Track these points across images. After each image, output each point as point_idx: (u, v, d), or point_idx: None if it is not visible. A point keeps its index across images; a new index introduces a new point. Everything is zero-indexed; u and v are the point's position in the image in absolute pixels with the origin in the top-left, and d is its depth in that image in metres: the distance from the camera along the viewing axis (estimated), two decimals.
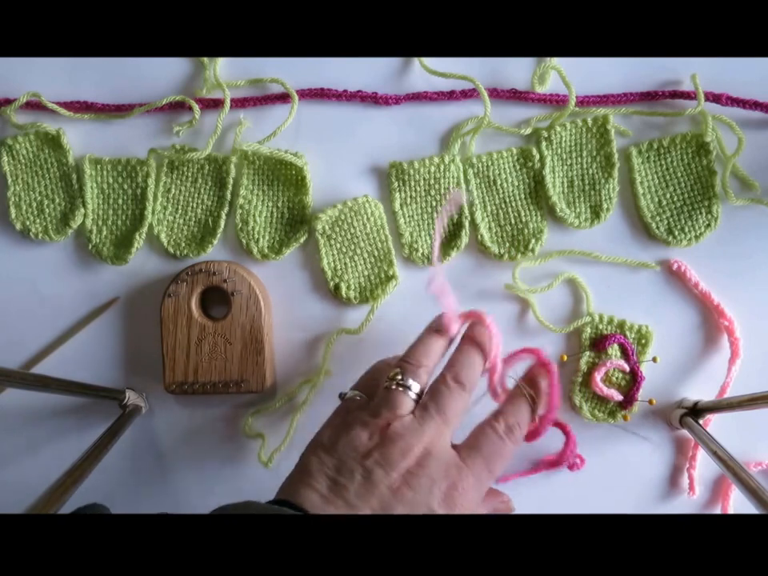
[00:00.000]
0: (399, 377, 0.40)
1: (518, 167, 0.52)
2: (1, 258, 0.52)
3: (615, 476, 0.51)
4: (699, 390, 0.51)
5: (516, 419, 0.40)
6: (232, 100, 0.51)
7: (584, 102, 0.52)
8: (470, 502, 0.37)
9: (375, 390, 0.41)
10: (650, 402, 0.51)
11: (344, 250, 0.52)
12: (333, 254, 0.52)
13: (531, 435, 0.41)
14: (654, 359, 0.50)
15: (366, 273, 0.52)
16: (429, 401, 0.39)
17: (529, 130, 0.52)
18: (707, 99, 0.51)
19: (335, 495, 0.36)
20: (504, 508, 0.44)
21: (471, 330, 0.42)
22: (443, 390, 0.39)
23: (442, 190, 0.52)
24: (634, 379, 0.51)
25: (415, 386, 0.40)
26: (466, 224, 0.51)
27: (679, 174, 0.52)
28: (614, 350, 0.51)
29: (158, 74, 0.52)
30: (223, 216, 0.52)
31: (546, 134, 0.52)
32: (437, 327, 0.42)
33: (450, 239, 0.52)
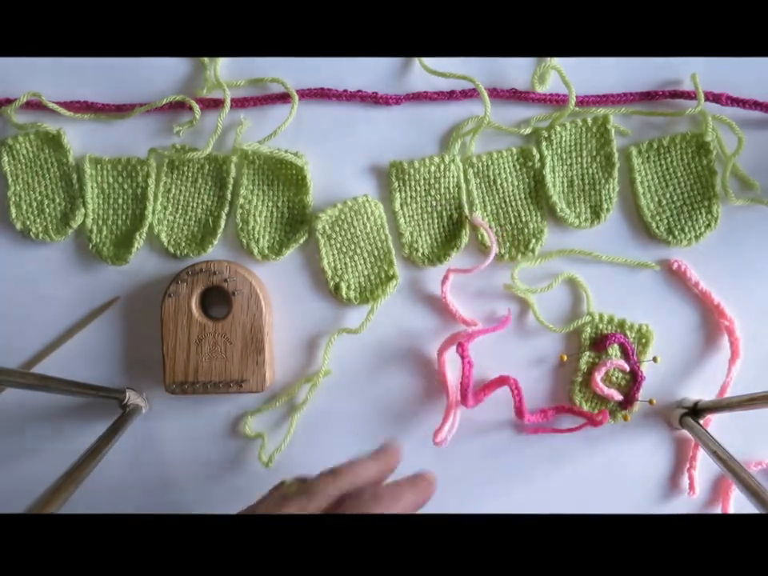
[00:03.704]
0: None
1: (517, 167, 0.52)
2: (1, 258, 0.52)
3: (615, 476, 0.51)
4: (699, 390, 0.51)
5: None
6: (232, 100, 0.51)
7: (584, 101, 0.52)
8: None
9: None
10: (650, 402, 0.51)
11: (344, 249, 0.52)
12: (333, 254, 0.52)
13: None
14: (654, 359, 0.50)
15: (366, 273, 0.52)
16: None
17: (529, 130, 0.52)
18: (707, 99, 0.51)
19: None
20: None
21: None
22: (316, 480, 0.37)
23: (442, 190, 0.52)
24: (634, 379, 0.51)
25: None
26: (466, 224, 0.52)
27: (679, 174, 0.52)
28: (614, 350, 0.51)
29: (157, 74, 0.52)
30: (223, 216, 0.52)
31: (546, 134, 0.52)
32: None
33: (450, 239, 0.52)
